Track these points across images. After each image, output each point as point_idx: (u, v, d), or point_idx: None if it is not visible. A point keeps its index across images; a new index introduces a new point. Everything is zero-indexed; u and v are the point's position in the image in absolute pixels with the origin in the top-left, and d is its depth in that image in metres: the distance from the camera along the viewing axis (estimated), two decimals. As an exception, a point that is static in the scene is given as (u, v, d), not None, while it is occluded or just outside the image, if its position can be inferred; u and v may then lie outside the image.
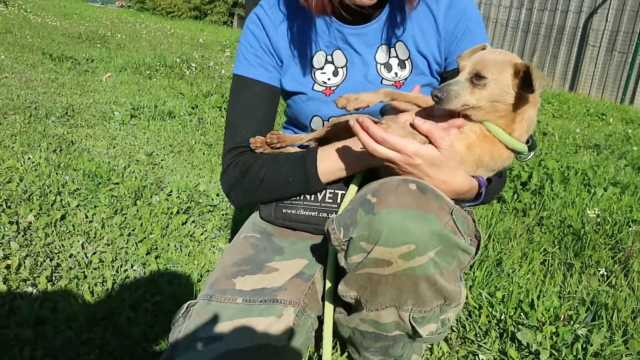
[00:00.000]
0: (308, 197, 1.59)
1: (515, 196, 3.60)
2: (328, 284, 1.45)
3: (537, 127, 6.15)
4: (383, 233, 1.18)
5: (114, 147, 4.11)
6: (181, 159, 4.01)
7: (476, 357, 2.01)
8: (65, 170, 3.39)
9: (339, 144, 1.51)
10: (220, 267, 1.55)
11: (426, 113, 1.40)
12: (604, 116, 7.64)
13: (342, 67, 1.66)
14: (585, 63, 10.34)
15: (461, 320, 2.19)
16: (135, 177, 3.43)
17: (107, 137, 4.37)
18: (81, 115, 4.90)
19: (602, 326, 2.18)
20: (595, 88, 10.20)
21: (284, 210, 1.62)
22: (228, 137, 1.67)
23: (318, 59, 1.66)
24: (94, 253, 2.45)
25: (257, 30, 1.67)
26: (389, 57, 1.65)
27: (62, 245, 2.50)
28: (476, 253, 1.36)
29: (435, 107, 1.37)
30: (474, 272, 2.50)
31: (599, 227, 3.16)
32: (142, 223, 2.78)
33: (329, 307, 1.46)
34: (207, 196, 3.24)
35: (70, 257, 2.41)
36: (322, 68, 1.66)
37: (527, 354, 2.02)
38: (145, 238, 2.65)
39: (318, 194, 1.59)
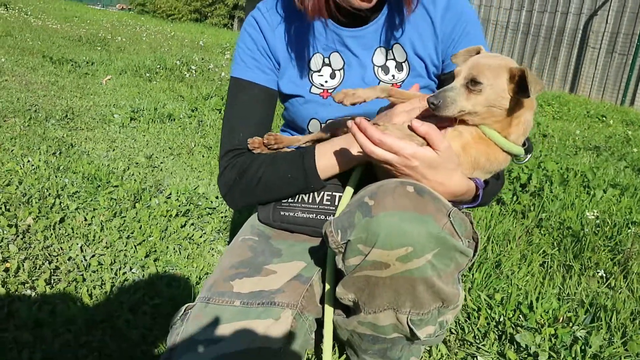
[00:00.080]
0: (306, 199, 1.60)
1: (515, 198, 3.60)
2: (327, 287, 1.45)
3: (537, 129, 6.16)
4: (380, 235, 1.18)
5: (113, 150, 4.11)
6: (180, 161, 4.01)
7: (475, 359, 2.01)
8: (64, 173, 3.40)
9: (337, 140, 1.52)
10: (219, 269, 1.55)
11: (424, 116, 1.40)
12: (604, 118, 7.64)
13: (339, 70, 1.66)
14: (586, 65, 10.35)
15: (460, 322, 2.19)
16: (135, 180, 3.43)
17: (107, 139, 4.37)
18: (81, 118, 4.90)
19: (601, 328, 2.18)
20: (595, 90, 10.20)
21: (282, 213, 1.62)
22: (225, 140, 1.67)
23: (315, 61, 1.66)
24: (93, 256, 2.46)
25: (254, 32, 1.67)
26: (387, 59, 1.65)
27: (61, 248, 2.50)
28: (474, 255, 1.36)
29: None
30: (472, 274, 2.50)
31: (598, 228, 3.16)
32: (141, 226, 2.78)
33: (328, 309, 1.46)
34: (206, 199, 3.24)
35: (69, 260, 2.41)
36: (319, 70, 1.66)
37: (526, 355, 2.02)
38: (144, 241, 2.65)
39: (316, 196, 1.59)
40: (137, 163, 3.84)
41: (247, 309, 1.39)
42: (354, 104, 1.40)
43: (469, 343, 2.09)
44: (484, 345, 2.07)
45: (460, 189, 1.37)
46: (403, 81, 1.65)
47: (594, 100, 9.94)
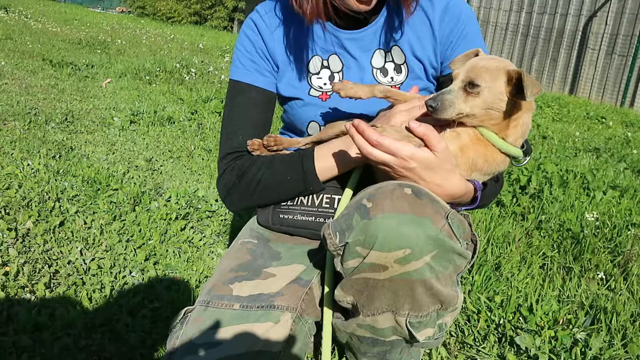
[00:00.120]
0: (305, 201, 1.60)
1: (514, 200, 3.60)
2: (326, 289, 1.45)
3: (537, 130, 6.16)
4: (379, 238, 1.18)
5: (113, 153, 4.11)
6: (180, 164, 4.01)
7: (475, 361, 2.01)
8: (64, 176, 3.40)
9: (336, 142, 1.52)
10: (218, 273, 1.55)
11: (422, 117, 1.41)
12: (603, 119, 7.64)
13: (338, 72, 1.66)
14: (585, 66, 10.35)
15: (460, 324, 2.19)
16: (134, 183, 3.43)
17: (107, 143, 4.38)
18: (81, 121, 4.91)
19: (601, 330, 2.17)
20: (595, 91, 10.21)
21: (281, 216, 1.62)
22: (224, 142, 1.67)
23: (314, 64, 1.66)
24: (93, 259, 2.46)
25: (253, 35, 1.67)
26: (385, 61, 1.65)
27: (61, 251, 2.50)
28: (473, 257, 1.36)
29: None
30: (472, 277, 2.49)
31: (598, 230, 3.16)
32: (140, 229, 2.78)
33: (327, 312, 1.46)
34: (206, 202, 3.24)
35: (68, 263, 2.41)
36: (318, 73, 1.66)
37: (526, 358, 2.02)
38: (143, 244, 2.65)
39: (315, 198, 1.59)
40: (136, 166, 3.84)
41: (246, 312, 1.39)
42: (350, 97, 1.42)
43: (469, 346, 2.09)
44: (483, 347, 2.07)
45: (458, 190, 1.37)
46: (402, 83, 1.65)
47: (594, 101, 9.95)
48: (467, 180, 1.40)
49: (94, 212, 2.92)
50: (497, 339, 2.12)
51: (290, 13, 1.65)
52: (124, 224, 2.83)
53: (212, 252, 2.70)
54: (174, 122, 5.17)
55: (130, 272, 2.39)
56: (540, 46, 11.12)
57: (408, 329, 1.35)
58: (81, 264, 2.40)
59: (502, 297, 2.33)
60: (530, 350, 2.01)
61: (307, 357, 1.89)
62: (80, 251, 2.51)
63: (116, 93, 6.33)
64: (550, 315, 2.20)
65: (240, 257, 1.58)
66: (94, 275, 2.34)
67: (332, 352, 1.91)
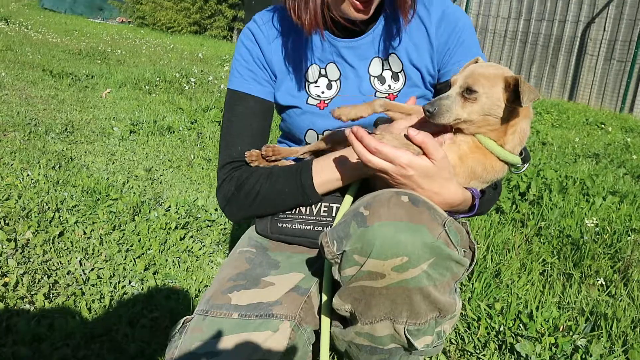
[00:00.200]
0: (303, 210, 1.60)
1: (514, 206, 3.60)
2: (324, 297, 1.45)
3: (536, 137, 6.17)
4: (376, 246, 1.18)
5: (113, 163, 4.12)
6: (180, 174, 4.02)
7: (475, 369, 2.01)
8: (64, 186, 3.40)
9: (334, 155, 1.52)
10: (217, 282, 1.55)
11: (421, 124, 1.41)
12: (603, 125, 7.65)
13: (335, 80, 1.67)
14: (584, 72, 10.37)
15: (460, 332, 2.18)
16: (134, 193, 3.44)
17: (106, 152, 4.38)
18: (81, 132, 4.92)
19: (602, 336, 2.17)
20: (594, 97, 10.22)
21: (280, 225, 1.62)
22: (223, 152, 1.67)
23: (312, 72, 1.67)
24: (92, 269, 2.46)
25: (250, 44, 1.68)
26: (383, 69, 1.66)
27: (60, 262, 2.50)
28: (471, 265, 1.36)
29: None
30: (472, 284, 2.49)
31: (598, 236, 3.15)
32: (140, 239, 2.78)
33: (325, 320, 1.46)
34: (206, 211, 3.24)
35: (68, 274, 2.41)
36: (315, 82, 1.67)
37: (527, 365, 2.01)
38: (143, 254, 2.65)
39: (313, 207, 1.59)
40: (136, 176, 3.85)
41: (245, 322, 1.39)
42: (352, 120, 1.41)
43: (469, 353, 2.09)
44: (484, 355, 2.07)
45: (456, 198, 1.37)
46: (399, 91, 1.65)
47: (593, 107, 9.96)
48: (465, 188, 1.40)
49: (93, 222, 2.92)
50: (497, 346, 2.12)
51: (288, 23, 1.66)
52: (124, 233, 2.83)
53: (212, 261, 2.70)
54: (173, 132, 5.18)
55: (130, 282, 2.38)
56: (538, 53, 11.15)
57: (406, 337, 1.34)
58: (80, 274, 2.40)
59: (502, 304, 2.33)
60: (530, 357, 2.01)
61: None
62: (80, 261, 2.51)
63: (116, 103, 6.35)
64: (550, 322, 2.20)
65: (238, 266, 1.58)
66: (93, 286, 2.34)
67: (331, 361, 1.91)
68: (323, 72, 1.67)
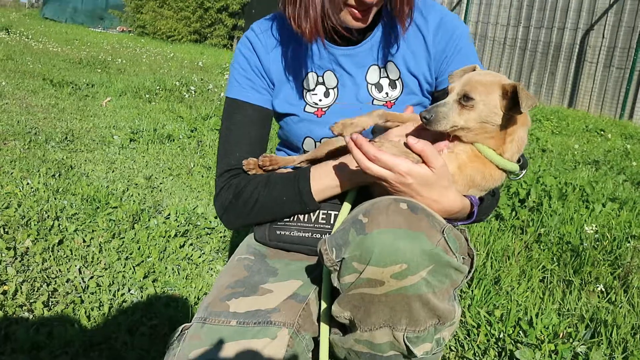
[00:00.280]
0: (301, 218, 1.60)
1: (514, 213, 3.60)
2: (323, 305, 1.45)
3: (536, 144, 6.17)
4: (374, 253, 1.18)
5: (112, 171, 4.13)
6: (180, 181, 4.02)
7: (475, 376, 2.00)
8: (63, 195, 3.41)
9: (332, 162, 1.52)
10: (215, 289, 1.55)
11: (418, 132, 1.41)
12: (602, 132, 7.65)
13: (333, 88, 1.67)
14: (584, 79, 10.40)
15: (459, 339, 2.18)
16: (134, 201, 3.44)
17: (106, 161, 4.39)
18: (81, 140, 4.93)
19: (602, 343, 2.16)
20: (594, 104, 10.24)
21: (278, 232, 1.63)
22: (221, 160, 1.68)
23: (309, 80, 1.68)
24: (91, 277, 2.45)
25: (248, 53, 1.69)
26: (380, 77, 1.66)
27: (59, 270, 2.50)
28: (470, 272, 1.36)
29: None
30: (472, 291, 2.49)
31: (597, 243, 3.15)
32: (139, 246, 2.78)
33: (324, 327, 1.46)
34: (205, 219, 3.24)
35: (67, 281, 2.41)
36: (313, 89, 1.67)
37: (527, 372, 2.01)
38: (142, 262, 2.65)
39: (312, 215, 1.59)
40: (136, 184, 3.85)
41: (243, 329, 1.39)
42: (354, 132, 1.42)
43: (469, 360, 2.08)
44: (484, 362, 2.06)
45: (455, 206, 1.37)
46: (397, 99, 1.66)
47: (593, 114, 9.97)
48: (464, 195, 1.40)
49: (93, 230, 2.92)
50: (497, 353, 2.11)
51: (287, 32, 1.67)
52: (123, 241, 2.83)
53: (211, 269, 2.70)
54: (173, 140, 5.18)
55: (129, 290, 2.38)
56: (538, 60, 11.18)
57: (406, 344, 1.34)
58: (80, 282, 2.40)
59: (501, 311, 2.32)
60: (530, 365, 2.00)
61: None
62: (79, 269, 2.51)
63: (116, 112, 6.36)
64: (550, 329, 2.19)
65: (237, 274, 1.58)
66: (92, 294, 2.34)
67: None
68: (321, 79, 1.68)
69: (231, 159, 1.66)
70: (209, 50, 17.34)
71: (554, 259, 3.03)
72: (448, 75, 1.45)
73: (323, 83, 1.67)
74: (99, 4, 23.60)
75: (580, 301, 2.56)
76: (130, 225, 3.04)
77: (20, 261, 2.52)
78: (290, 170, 1.63)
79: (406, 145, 1.30)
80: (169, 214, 3.23)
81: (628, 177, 5.01)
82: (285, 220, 1.61)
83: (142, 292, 2.39)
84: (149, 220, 3.12)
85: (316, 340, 1.51)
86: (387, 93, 1.66)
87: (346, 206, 1.49)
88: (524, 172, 1.44)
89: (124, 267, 2.57)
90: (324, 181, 1.51)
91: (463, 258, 1.35)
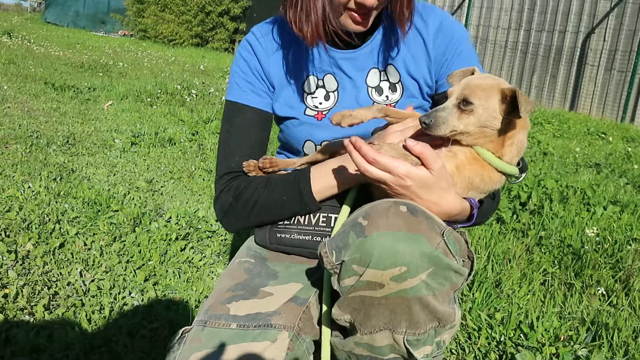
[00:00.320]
0: (302, 221, 1.60)
1: (515, 216, 3.60)
2: (324, 308, 1.45)
3: (537, 147, 6.17)
4: (374, 256, 1.18)
5: (114, 175, 4.13)
6: (181, 185, 4.03)
7: (476, 379, 2.00)
8: (65, 198, 3.41)
9: (332, 161, 1.52)
10: (215, 292, 1.55)
11: (417, 135, 1.41)
12: (604, 135, 7.65)
13: (333, 92, 1.67)
14: (585, 82, 10.39)
15: (460, 342, 2.18)
16: (135, 204, 3.44)
17: (108, 164, 4.40)
18: (82, 144, 4.93)
19: (603, 346, 2.16)
20: (595, 107, 10.24)
21: (278, 235, 1.63)
22: (221, 163, 1.68)
23: (309, 83, 1.68)
24: (92, 281, 2.46)
25: (248, 56, 1.69)
26: (380, 80, 1.67)
27: (60, 273, 2.50)
28: (469, 274, 1.36)
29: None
30: (473, 294, 2.48)
31: (599, 246, 3.15)
32: (140, 250, 2.78)
33: (326, 331, 1.46)
34: (206, 222, 3.24)
35: (68, 285, 2.41)
36: (313, 93, 1.68)
37: (528, 375, 2.00)
38: (143, 265, 2.65)
39: (312, 217, 1.59)
40: (137, 187, 3.85)
41: (243, 332, 1.39)
42: (351, 125, 1.42)
43: (469, 363, 2.08)
44: (484, 365, 2.06)
45: (454, 208, 1.37)
46: (397, 102, 1.66)
47: (594, 117, 9.97)
48: (464, 198, 1.40)
49: (94, 234, 2.93)
50: (497, 357, 2.11)
51: (288, 36, 1.67)
52: (124, 245, 2.83)
53: (212, 272, 2.70)
54: (174, 143, 5.19)
55: (130, 293, 2.38)
56: (539, 63, 11.18)
57: (406, 347, 1.34)
58: (81, 286, 2.40)
59: (502, 314, 2.32)
60: (531, 368, 2.00)
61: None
62: (80, 272, 2.51)
63: (117, 115, 6.37)
64: (551, 332, 2.19)
65: (237, 277, 1.58)
66: (93, 297, 2.34)
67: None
68: (321, 83, 1.68)
69: (231, 162, 1.66)
70: (210, 54, 17.36)
71: (555, 262, 3.02)
72: (447, 76, 1.45)
73: (323, 86, 1.67)
74: (100, 8, 23.67)
75: (581, 304, 2.55)
76: (131, 228, 3.04)
77: (21, 264, 2.52)
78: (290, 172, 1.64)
79: (405, 147, 1.30)
80: (170, 217, 3.23)
81: (629, 180, 5.00)
82: (285, 223, 1.61)
83: (142, 295, 2.39)
84: (150, 223, 3.12)
85: (316, 343, 1.51)
86: (387, 96, 1.66)
87: (345, 209, 1.49)
88: (523, 175, 1.44)
89: (124, 271, 2.57)
90: (324, 181, 1.51)
91: (463, 260, 1.34)
